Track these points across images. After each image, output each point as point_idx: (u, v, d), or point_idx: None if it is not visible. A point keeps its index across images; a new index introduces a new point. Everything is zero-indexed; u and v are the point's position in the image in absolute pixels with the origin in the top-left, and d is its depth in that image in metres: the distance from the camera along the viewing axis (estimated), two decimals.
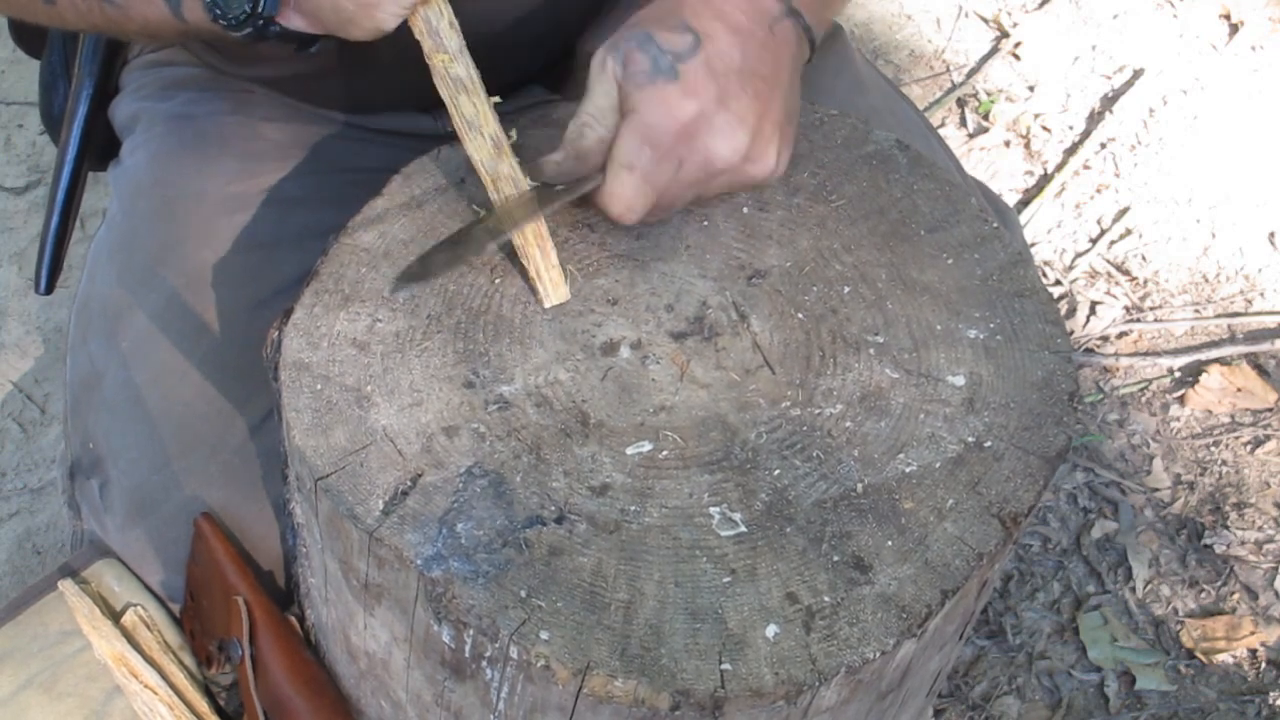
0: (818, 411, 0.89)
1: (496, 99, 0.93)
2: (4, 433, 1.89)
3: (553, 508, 0.83)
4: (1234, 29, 2.42)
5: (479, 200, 0.98)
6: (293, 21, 0.93)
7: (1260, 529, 1.77)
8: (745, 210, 1.01)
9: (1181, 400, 1.91)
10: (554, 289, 0.94)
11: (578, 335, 0.93)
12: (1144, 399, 1.92)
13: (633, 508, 0.83)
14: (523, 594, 0.79)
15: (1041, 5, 2.48)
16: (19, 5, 1.03)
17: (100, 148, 1.31)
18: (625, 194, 0.91)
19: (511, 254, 0.95)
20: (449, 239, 0.94)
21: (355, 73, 0.94)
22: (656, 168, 0.90)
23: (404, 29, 0.90)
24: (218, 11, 0.91)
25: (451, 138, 0.96)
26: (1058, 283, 2.05)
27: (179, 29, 0.98)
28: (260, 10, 0.90)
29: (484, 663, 0.80)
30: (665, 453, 0.86)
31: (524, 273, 0.94)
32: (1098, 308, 2.02)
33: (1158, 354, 1.96)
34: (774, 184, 0.99)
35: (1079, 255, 2.09)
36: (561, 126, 1.04)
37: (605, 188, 0.91)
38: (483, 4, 1.00)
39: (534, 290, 0.94)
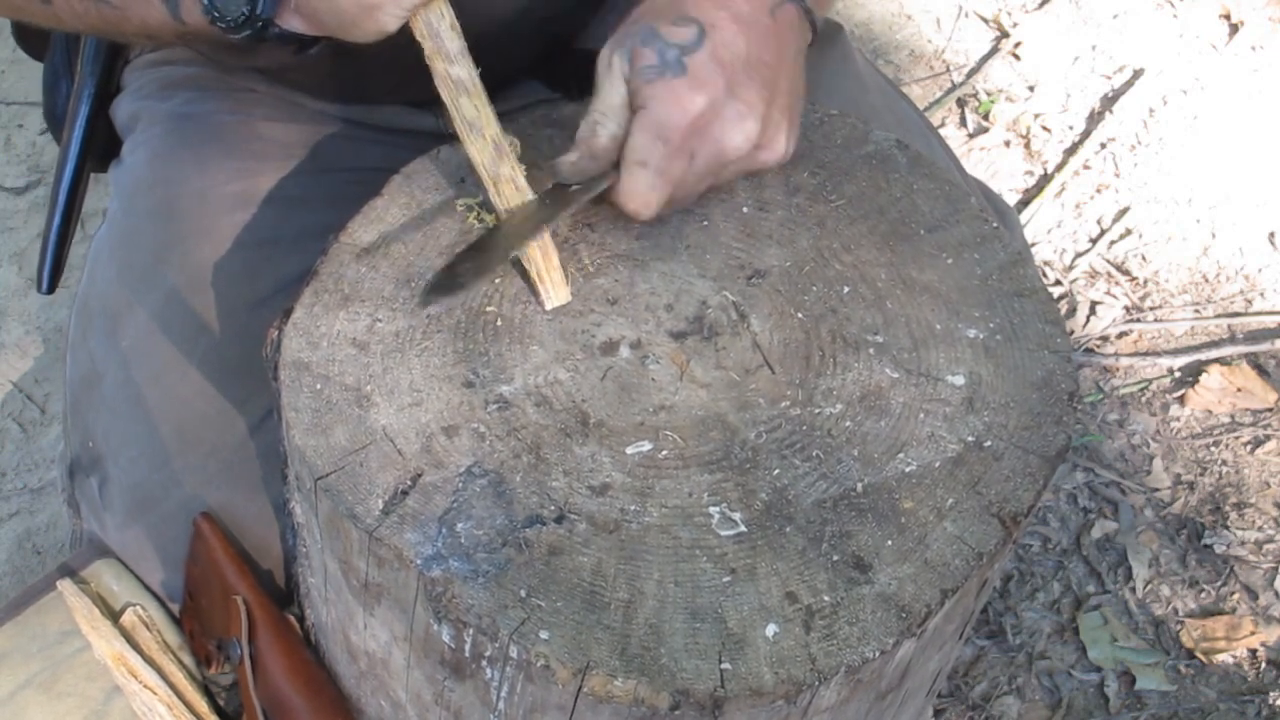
0: (817, 411, 0.89)
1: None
2: (4, 433, 1.89)
3: (552, 507, 0.83)
4: (1234, 29, 2.42)
5: (476, 200, 0.98)
6: (291, 23, 0.93)
7: (1260, 529, 1.77)
8: (745, 210, 1.01)
9: (1181, 400, 1.91)
10: (555, 291, 0.94)
11: (577, 335, 0.93)
12: (1144, 399, 1.92)
13: (632, 507, 0.83)
14: (522, 593, 0.79)
15: (1041, 5, 2.48)
16: (16, 5, 1.03)
17: (102, 148, 1.31)
18: (641, 190, 0.91)
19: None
20: (468, 249, 0.94)
21: (354, 63, 0.94)
22: (670, 162, 0.90)
23: (404, 29, 0.90)
24: (215, 14, 0.91)
25: (452, 137, 0.96)
26: (1058, 283, 2.05)
27: (178, 30, 0.98)
28: (258, 12, 0.90)
29: (484, 662, 0.80)
30: (665, 452, 0.86)
31: (525, 275, 0.94)
32: (1098, 308, 2.02)
33: (1158, 354, 1.96)
34: (779, 171, 0.99)
35: (1079, 255, 2.09)
36: (564, 126, 1.05)
37: (621, 185, 0.92)
38: None
39: (535, 292, 0.94)
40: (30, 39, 1.38)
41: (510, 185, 0.93)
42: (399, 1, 0.87)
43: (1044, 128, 2.27)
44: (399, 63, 0.91)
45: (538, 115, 1.06)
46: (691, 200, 0.97)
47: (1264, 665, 1.65)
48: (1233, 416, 1.90)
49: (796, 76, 0.95)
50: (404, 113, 1.20)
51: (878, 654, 0.78)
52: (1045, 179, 2.20)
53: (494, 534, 0.81)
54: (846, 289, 0.96)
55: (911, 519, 0.84)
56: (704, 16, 0.90)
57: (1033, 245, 2.11)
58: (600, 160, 0.93)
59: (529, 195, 0.93)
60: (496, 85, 0.93)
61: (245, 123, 1.20)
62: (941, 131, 2.19)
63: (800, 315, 0.94)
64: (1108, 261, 2.08)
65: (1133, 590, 1.72)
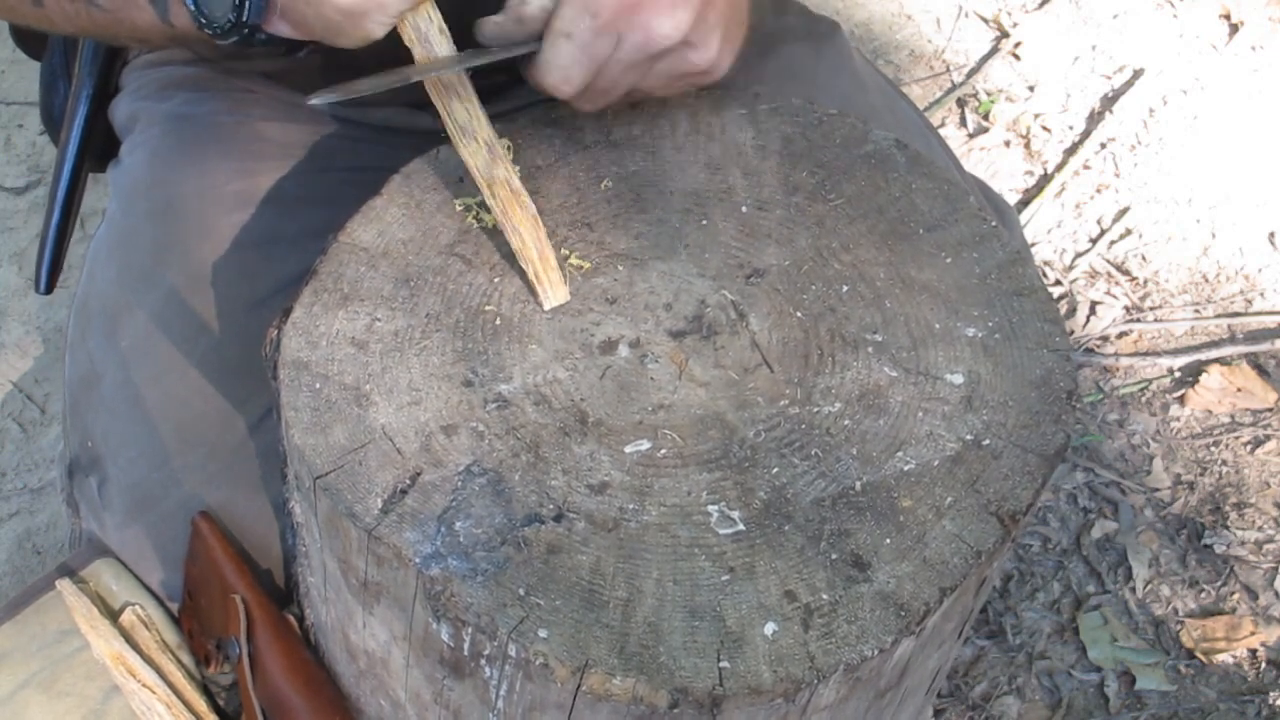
0: (816, 410, 0.89)
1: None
2: (4, 433, 1.89)
3: (551, 506, 0.83)
4: (1234, 29, 2.42)
5: (474, 200, 0.98)
6: (279, 29, 0.93)
7: (1260, 529, 1.77)
8: (744, 209, 1.01)
9: (1181, 400, 1.91)
10: (553, 290, 0.94)
11: (576, 334, 0.93)
12: (1144, 399, 1.92)
13: (631, 506, 0.83)
14: (521, 592, 0.79)
15: (1041, 5, 2.48)
16: (8, 6, 1.03)
17: (100, 148, 1.31)
18: (562, 62, 0.90)
19: (512, 256, 0.95)
20: (379, 71, 0.92)
21: (344, 66, 0.94)
22: (596, 38, 0.89)
23: (393, 34, 0.90)
24: (203, 20, 0.91)
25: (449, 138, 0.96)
26: (1058, 283, 2.05)
27: (167, 34, 0.98)
28: (245, 19, 0.90)
29: (483, 661, 0.80)
30: (664, 451, 0.86)
31: (523, 274, 0.94)
32: (1098, 308, 2.02)
33: (1158, 354, 1.96)
34: (777, 170, 0.98)
35: (1079, 255, 2.09)
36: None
37: (542, 55, 0.90)
38: None
39: (533, 292, 0.94)
40: (28, 39, 1.38)
41: (504, 187, 0.93)
42: (385, 7, 0.86)
43: (1044, 128, 2.27)
44: (388, 66, 0.91)
45: (537, 115, 1.06)
46: (614, 97, 0.95)
47: (1264, 665, 1.65)
48: (1233, 416, 1.90)
49: None
50: (402, 112, 1.20)
51: (876, 652, 0.78)
52: (1045, 179, 2.20)
53: (493, 533, 0.81)
54: (845, 288, 0.96)
55: (910, 517, 0.84)
56: None
57: (1033, 245, 2.11)
58: (525, 26, 0.91)
59: (524, 197, 0.93)
60: (493, 87, 0.93)
61: (244, 123, 1.20)
62: (941, 131, 2.20)
63: (799, 314, 0.94)
64: (1108, 261, 2.08)
65: (1133, 590, 1.72)
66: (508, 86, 1.19)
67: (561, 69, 0.90)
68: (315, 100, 0.88)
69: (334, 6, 0.86)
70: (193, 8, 0.91)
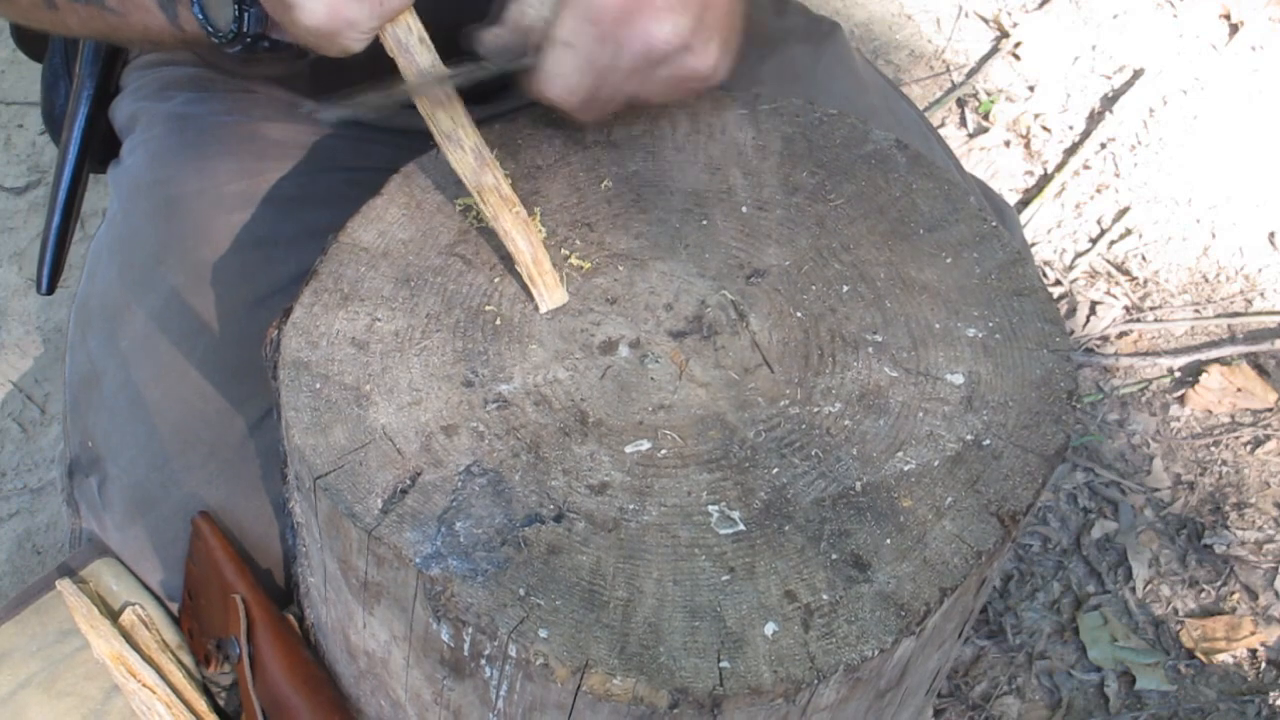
0: (816, 410, 0.89)
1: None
2: (4, 433, 1.89)
3: (551, 506, 0.83)
4: (1234, 29, 2.42)
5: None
6: (280, 35, 0.93)
7: (1260, 529, 1.77)
8: (744, 209, 1.01)
9: (1181, 400, 1.91)
10: (550, 293, 0.94)
11: (576, 334, 0.93)
12: (1144, 399, 1.92)
13: (631, 506, 0.83)
14: (521, 592, 0.79)
15: (1041, 5, 2.48)
16: (22, 10, 1.04)
17: (101, 148, 1.31)
18: (565, 71, 0.90)
19: (510, 258, 0.95)
20: (376, 88, 0.92)
21: (338, 73, 0.95)
22: (597, 47, 0.89)
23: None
24: (210, 28, 0.92)
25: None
26: (1058, 283, 2.05)
27: (178, 38, 0.99)
28: (245, 30, 0.91)
29: (483, 661, 0.80)
30: (664, 451, 0.86)
31: (520, 278, 0.94)
32: (1098, 308, 2.02)
33: (1158, 354, 1.96)
34: (777, 170, 0.98)
35: (1079, 255, 2.09)
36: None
37: (544, 66, 0.90)
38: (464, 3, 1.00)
39: (530, 295, 0.94)
40: (29, 40, 1.38)
41: (494, 194, 0.93)
42: (355, 24, 0.87)
43: (1044, 128, 2.27)
44: (381, 72, 0.92)
45: (537, 115, 1.06)
46: (614, 107, 0.95)
47: (1264, 665, 1.65)
48: (1233, 416, 1.90)
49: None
50: (402, 113, 1.20)
51: (877, 652, 0.78)
52: (1045, 179, 2.20)
53: (493, 533, 0.81)
54: (846, 288, 0.96)
55: (910, 518, 0.84)
56: None
57: (1033, 245, 2.11)
58: (524, 37, 0.91)
59: (515, 203, 0.93)
60: (489, 89, 0.93)
61: (244, 123, 1.20)
62: (941, 131, 2.20)
63: (799, 314, 0.94)
64: (1108, 261, 2.08)
65: (1133, 590, 1.72)
66: (508, 86, 1.19)
67: (564, 79, 0.90)
68: (322, 115, 0.88)
69: (305, 28, 0.87)
70: (200, 17, 0.92)
